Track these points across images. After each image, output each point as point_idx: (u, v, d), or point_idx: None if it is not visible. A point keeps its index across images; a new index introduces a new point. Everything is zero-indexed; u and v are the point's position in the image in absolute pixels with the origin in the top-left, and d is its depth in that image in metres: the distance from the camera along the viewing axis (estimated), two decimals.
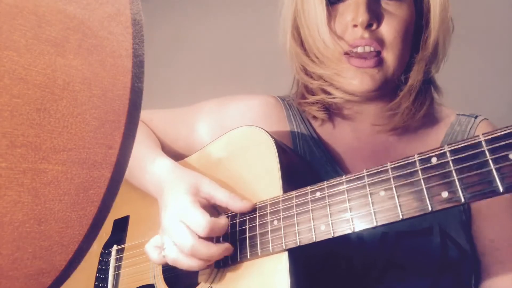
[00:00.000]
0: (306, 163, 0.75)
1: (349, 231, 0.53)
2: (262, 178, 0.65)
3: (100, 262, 0.81)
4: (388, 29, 0.67)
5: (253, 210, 0.63)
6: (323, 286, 0.63)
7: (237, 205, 0.63)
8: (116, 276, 0.78)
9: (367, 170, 0.54)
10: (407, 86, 0.71)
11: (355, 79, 0.68)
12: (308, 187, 0.58)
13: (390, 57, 0.68)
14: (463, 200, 0.46)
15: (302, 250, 0.57)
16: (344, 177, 0.56)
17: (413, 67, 0.71)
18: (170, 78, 1.95)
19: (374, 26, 0.67)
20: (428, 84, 0.75)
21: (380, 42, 0.67)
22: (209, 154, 0.76)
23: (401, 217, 0.49)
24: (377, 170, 0.53)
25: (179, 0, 2.10)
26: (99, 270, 0.80)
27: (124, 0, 0.30)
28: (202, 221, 0.59)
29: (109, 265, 0.79)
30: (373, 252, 0.68)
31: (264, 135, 0.68)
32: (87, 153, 0.28)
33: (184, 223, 0.61)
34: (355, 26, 0.67)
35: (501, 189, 0.43)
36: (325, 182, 0.57)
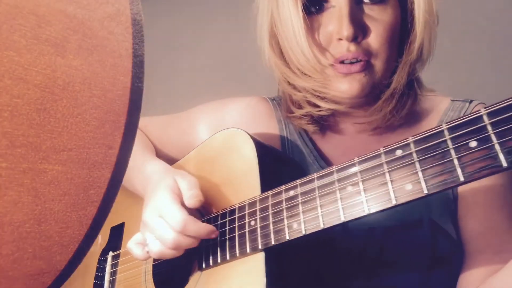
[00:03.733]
0: (293, 162, 0.75)
1: (318, 229, 0.53)
2: (243, 179, 0.66)
3: (97, 269, 0.83)
4: (375, 38, 0.64)
5: (233, 211, 0.64)
6: (307, 284, 0.63)
7: (186, 196, 0.63)
8: (112, 282, 0.80)
9: (337, 166, 0.54)
10: (390, 89, 0.69)
11: (343, 85, 0.65)
12: (283, 186, 0.58)
13: (378, 63, 0.66)
14: (426, 191, 0.45)
15: (284, 249, 0.57)
16: (315, 174, 0.55)
17: (397, 71, 0.69)
18: (170, 78, 1.95)
19: (360, 38, 0.64)
20: (411, 83, 0.73)
21: (367, 52, 0.65)
22: (195, 158, 0.77)
23: (367, 211, 0.49)
24: (345, 165, 0.53)
25: (179, 0, 2.10)
26: (96, 277, 0.82)
27: (124, 0, 0.30)
28: (178, 216, 0.60)
29: (105, 272, 0.81)
30: (360, 248, 0.67)
31: (245, 136, 0.68)
32: (87, 153, 0.28)
33: (163, 218, 0.62)
34: (340, 39, 0.64)
35: (461, 178, 0.43)
36: (298, 180, 0.57)
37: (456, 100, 0.77)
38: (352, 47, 0.63)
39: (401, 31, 0.69)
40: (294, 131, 0.78)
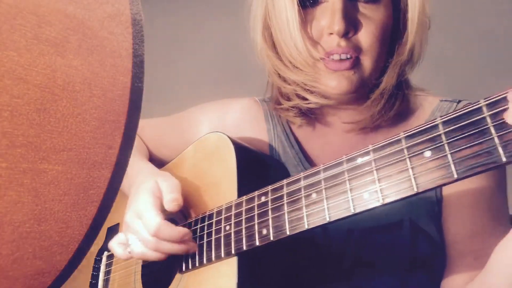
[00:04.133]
0: (278, 165, 0.75)
1: (284, 235, 0.53)
2: (222, 183, 0.67)
3: (93, 269, 0.85)
4: (366, 35, 0.65)
5: (211, 216, 0.65)
6: (284, 287, 0.63)
7: (166, 198, 0.65)
8: (106, 281, 0.81)
9: (304, 172, 0.54)
10: (379, 89, 0.69)
11: (332, 81, 0.66)
12: (256, 192, 0.59)
13: (367, 60, 0.66)
14: (382, 201, 0.45)
15: (259, 253, 0.58)
16: (285, 180, 0.56)
17: (387, 71, 0.69)
18: (170, 78, 1.95)
19: (351, 34, 0.64)
20: (399, 84, 0.73)
21: (357, 48, 0.65)
22: (181, 162, 0.79)
23: (328, 219, 0.49)
24: (311, 172, 0.53)
25: (179, 0, 2.10)
26: (92, 276, 0.84)
27: (124, 0, 0.30)
28: (153, 221, 0.62)
29: (100, 271, 0.83)
30: (339, 250, 0.67)
31: (226, 141, 0.69)
32: (87, 153, 0.28)
33: (141, 220, 0.63)
34: (331, 34, 0.64)
35: (415, 189, 0.43)
36: (269, 186, 0.58)
37: (445, 100, 0.76)
38: (343, 42, 0.64)
39: (392, 32, 0.69)
40: (282, 133, 0.79)
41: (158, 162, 0.88)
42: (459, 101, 0.75)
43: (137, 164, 0.76)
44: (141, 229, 0.63)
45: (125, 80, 0.30)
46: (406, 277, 0.65)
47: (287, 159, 0.76)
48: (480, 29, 1.48)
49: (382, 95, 0.70)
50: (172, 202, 0.64)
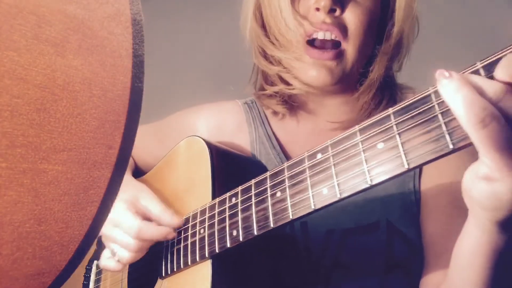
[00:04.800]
0: (258, 166, 0.76)
1: (252, 236, 0.53)
2: (199, 186, 0.67)
3: (84, 278, 0.85)
4: (352, 17, 0.65)
5: (186, 220, 0.65)
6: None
7: (167, 220, 0.65)
8: None
9: (270, 172, 0.55)
10: (368, 79, 0.69)
11: (312, 71, 0.65)
12: (227, 193, 0.59)
13: (350, 49, 0.65)
14: (339, 195, 0.45)
15: (233, 255, 0.58)
16: (253, 180, 0.56)
17: (375, 60, 0.69)
18: (170, 78, 1.95)
19: (337, 12, 0.64)
20: (388, 83, 0.73)
21: (342, 29, 0.65)
22: (160, 168, 0.80)
23: (291, 217, 0.49)
24: (276, 170, 0.54)
25: (179, 0, 2.10)
26: (83, 286, 0.84)
27: (124, 0, 0.30)
28: (132, 223, 0.62)
29: (90, 280, 0.84)
30: (319, 251, 0.68)
31: (202, 144, 0.70)
32: (87, 153, 0.28)
33: (119, 227, 0.64)
34: (317, 9, 0.64)
35: (369, 182, 0.43)
36: (239, 187, 0.58)
37: None
38: (328, 19, 0.64)
39: (380, 24, 0.69)
40: (263, 135, 0.79)
41: (141, 171, 0.89)
42: None
43: None
44: (120, 236, 0.64)
45: (125, 80, 0.30)
46: (384, 279, 0.66)
47: (269, 160, 0.76)
48: (477, 27, 1.48)
49: (370, 87, 0.70)
50: (164, 214, 0.65)
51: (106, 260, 0.69)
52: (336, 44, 0.65)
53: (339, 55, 0.65)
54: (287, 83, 0.71)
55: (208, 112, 0.84)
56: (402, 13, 0.66)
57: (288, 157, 0.76)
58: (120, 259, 0.66)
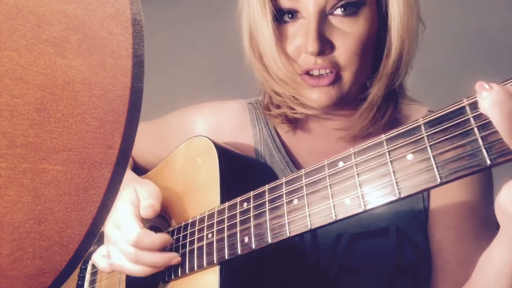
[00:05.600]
0: (264, 169, 0.74)
1: (266, 243, 0.51)
2: (205, 188, 0.65)
3: (78, 278, 0.83)
4: (344, 51, 0.63)
5: (193, 223, 0.63)
6: None
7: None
8: None
9: (286, 178, 0.52)
10: (367, 102, 0.68)
11: (312, 96, 0.65)
12: (238, 198, 0.57)
13: (347, 75, 0.64)
14: (363, 207, 0.43)
15: (242, 261, 0.56)
16: (267, 185, 0.54)
17: (374, 84, 0.67)
18: (170, 78, 1.95)
19: (327, 52, 0.63)
20: (391, 92, 0.71)
21: (335, 64, 0.63)
22: (164, 167, 0.78)
23: (309, 227, 0.47)
24: (293, 177, 0.51)
25: (179, 0, 2.10)
26: (77, 286, 0.82)
27: (124, 0, 0.30)
28: (132, 230, 0.60)
29: (85, 280, 0.82)
30: (327, 255, 0.67)
31: (209, 145, 0.68)
32: (87, 153, 0.28)
33: (120, 231, 0.62)
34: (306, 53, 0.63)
35: (397, 195, 0.41)
36: (251, 192, 0.56)
37: (433, 111, 0.75)
38: (319, 60, 0.62)
39: (378, 41, 0.67)
40: (268, 137, 0.78)
41: (141, 170, 0.87)
42: None
43: None
44: (120, 240, 0.62)
45: (125, 80, 0.30)
46: (392, 284, 0.66)
47: (274, 163, 0.75)
48: (475, 29, 1.48)
49: (371, 107, 0.68)
50: (147, 207, 0.63)
51: (99, 257, 0.68)
52: (332, 72, 0.64)
53: (336, 80, 0.64)
54: (291, 108, 0.71)
55: (208, 111, 0.83)
56: (396, 38, 0.64)
57: (293, 161, 0.75)
58: (112, 263, 0.64)
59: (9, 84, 0.23)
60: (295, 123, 0.76)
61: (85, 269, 0.83)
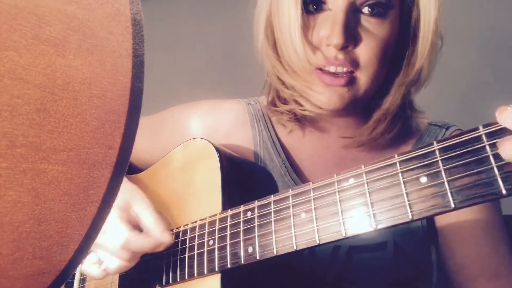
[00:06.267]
0: (263, 173, 0.73)
1: (272, 255, 0.51)
2: (206, 193, 0.64)
3: (66, 282, 0.82)
4: (365, 50, 0.62)
5: (193, 229, 0.62)
6: None
7: (156, 235, 0.61)
8: None
9: (293, 189, 0.52)
10: (382, 110, 0.67)
11: (323, 96, 0.64)
12: (242, 206, 0.57)
13: (363, 77, 0.63)
14: (374, 226, 0.43)
15: (243, 270, 0.55)
16: (272, 196, 0.54)
17: (390, 90, 0.66)
18: (170, 78, 1.95)
19: (350, 47, 0.62)
20: (403, 105, 0.71)
21: (355, 63, 0.62)
22: (158, 168, 0.76)
23: (318, 241, 0.47)
24: (301, 190, 0.51)
25: (179, 0, 2.10)
26: (66, 283, 0.81)
27: (124, 0, 0.30)
28: (119, 233, 0.59)
29: (74, 279, 0.80)
30: (324, 266, 0.66)
31: (210, 149, 0.67)
32: (87, 153, 0.28)
33: (107, 234, 0.61)
34: (329, 45, 0.62)
35: (409, 216, 0.41)
36: (256, 201, 0.55)
37: (434, 125, 0.74)
38: (340, 55, 0.61)
39: (397, 49, 0.66)
40: (268, 140, 0.76)
41: (133, 166, 0.85)
42: (448, 127, 0.73)
43: None
44: (108, 244, 0.60)
45: (125, 80, 0.30)
46: None
47: (273, 167, 0.74)
48: (479, 31, 1.48)
49: (385, 115, 0.67)
50: (155, 228, 0.61)
51: (90, 266, 0.65)
52: (349, 72, 0.63)
53: (351, 82, 0.63)
54: (299, 104, 0.69)
55: (205, 109, 0.81)
56: (427, 48, 0.63)
57: (293, 166, 0.74)
58: (107, 268, 0.63)
59: (9, 84, 0.23)
60: (303, 122, 0.74)
61: (72, 275, 0.81)
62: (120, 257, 0.61)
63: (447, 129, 0.73)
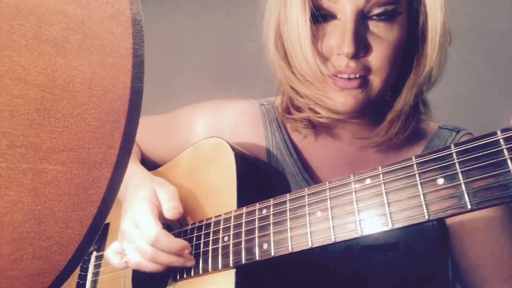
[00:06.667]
0: (276, 173, 0.74)
1: (287, 252, 0.51)
2: (221, 191, 0.65)
3: (81, 268, 0.82)
4: (376, 56, 0.62)
5: (208, 225, 0.63)
6: None
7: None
8: (94, 283, 0.79)
9: (308, 189, 0.53)
10: (396, 111, 0.67)
11: (339, 100, 0.64)
12: (257, 204, 0.57)
13: (376, 80, 0.64)
14: (390, 226, 0.44)
15: (257, 266, 0.56)
16: (288, 195, 0.54)
17: (402, 91, 0.67)
18: (170, 78, 1.95)
19: (361, 55, 0.62)
20: (417, 104, 0.71)
21: (367, 69, 0.63)
22: (177, 165, 0.77)
23: (333, 239, 0.48)
24: (317, 190, 0.52)
25: (179, 0, 2.10)
26: (80, 276, 0.81)
27: (124, 0, 0.30)
28: (151, 230, 0.59)
29: (88, 272, 0.81)
30: (336, 265, 0.67)
31: (226, 147, 0.67)
32: (87, 153, 0.28)
33: (139, 229, 0.61)
34: (340, 54, 0.62)
35: (426, 216, 0.42)
36: (271, 200, 0.56)
37: (444, 128, 0.75)
38: (352, 63, 0.61)
39: (407, 50, 0.66)
40: (280, 141, 0.77)
41: (150, 162, 0.86)
42: (459, 131, 0.74)
43: (130, 168, 0.74)
44: (138, 238, 0.61)
45: (125, 80, 0.30)
46: None
47: (286, 167, 0.74)
48: (479, 31, 1.48)
49: (399, 116, 0.68)
50: (173, 210, 0.63)
51: (113, 253, 0.67)
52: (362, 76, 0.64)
53: (364, 83, 0.63)
54: (314, 111, 0.69)
55: (235, 109, 0.81)
56: (436, 50, 0.64)
57: (305, 166, 0.74)
58: (128, 261, 0.63)
59: (9, 84, 0.23)
60: (319, 128, 0.74)
61: (89, 260, 0.82)
62: (143, 254, 0.61)
63: (457, 132, 0.74)
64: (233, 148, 0.67)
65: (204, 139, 0.73)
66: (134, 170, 0.73)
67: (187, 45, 2.05)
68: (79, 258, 0.30)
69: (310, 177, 0.73)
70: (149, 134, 0.87)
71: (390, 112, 0.68)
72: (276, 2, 0.68)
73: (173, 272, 0.65)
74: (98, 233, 0.31)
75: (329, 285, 0.67)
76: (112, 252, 0.67)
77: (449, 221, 0.69)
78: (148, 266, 0.62)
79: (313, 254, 0.66)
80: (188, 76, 1.99)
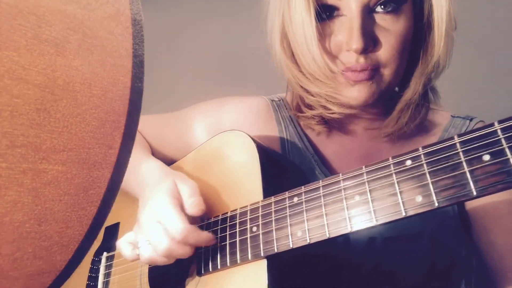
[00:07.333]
0: (293, 166, 0.74)
1: (324, 237, 0.51)
2: (245, 183, 0.64)
3: (90, 270, 0.81)
4: (386, 49, 0.62)
5: (233, 216, 0.62)
6: None
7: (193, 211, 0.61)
8: (106, 284, 0.78)
9: (343, 174, 0.52)
10: (405, 100, 0.68)
11: (353, 93, 0.64)
12: (287, 192, 0.57)
13: (387, 72, 0.64)
14: (436, 204, 0.44)
15: (285, 256, 0.56)
16: (321, 181, 0.54)
17: (411, 81, 0.67)
18: (170, 78, 1.95)
19: (369, 49, 0.62)
20: (426, 93, 0.71)
21: (377, 62, 0.63)
22: (194, 160, 0.76)
23: (375, 222, 0.48)
24: (353, 174, 0.52)
25: (179, 0, 2.10)
26: (89, 278, 0.80)
27: (124, 0, 0.30)
28: (179, 225, 0.58)
29: (99, 273, 0.80)
30: (360, 257, 0.66)
31: (247, 139, 0.67)
32: (87, 153, 0.28)
33: (161, 224, 0.60)
34: (349, 50, 0.62)
35: (474, 193, 0.42)
36: (302, 187, 0.56)
37: (457, 117, 0.75)
38: (361, 59, 0.62)
39: (415, 40, 0.67)
40: (295, 135, 0.77)
41: (160, 159, 0.86)
42: (471, 119, 0.74)
43: (147, 162, 0.72)
44: (157, 233, 0.59)
45: (125, 80, 0.30)
46: (425, 287, 0.65)
47: (303, 161, 0.74)
48: (479, 32, 1.48)
49: (409, 105, 0.68)
50: (196, 206, 0.61)
51: (125, 243, 0.65)
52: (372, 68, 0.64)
53: (376, 75, 0.64)
54: (326, 108, 0.69)
55: (236, 105, 0.81)
56: (442, 39, 0.64)
57: (321, 158, 0.74)
58: (140, 254, 0.62)
59: (9, 84, 0.23)
60: (332, 123, 0.75)
61: (99, 261, 0.80)
62: (158, 251, 0.60)
63: (470, 120, 0.74)
64: (254, 140, 0.66)
65: (223, 132, 0.72)
66: (151, 164, 0.71)
67: (187, 45, 2.05)
68: (79, 258, 0.30)
69: (328, 169, 0.73)
70: (160, 131, 0.86)
71: (400, 102, 0.69)
72: (279, 2, 0.67)
73: (197, 267, 0.64)
74: (98, 233, 0.31)
75: (353, 278, 0.66)
76: (125, 242, 0.66)
77: (472, 209, 0.69)
78: (160, 260, 0.61)
79: (336, 245, 0.65)
80: (188, 76, 1.99)
